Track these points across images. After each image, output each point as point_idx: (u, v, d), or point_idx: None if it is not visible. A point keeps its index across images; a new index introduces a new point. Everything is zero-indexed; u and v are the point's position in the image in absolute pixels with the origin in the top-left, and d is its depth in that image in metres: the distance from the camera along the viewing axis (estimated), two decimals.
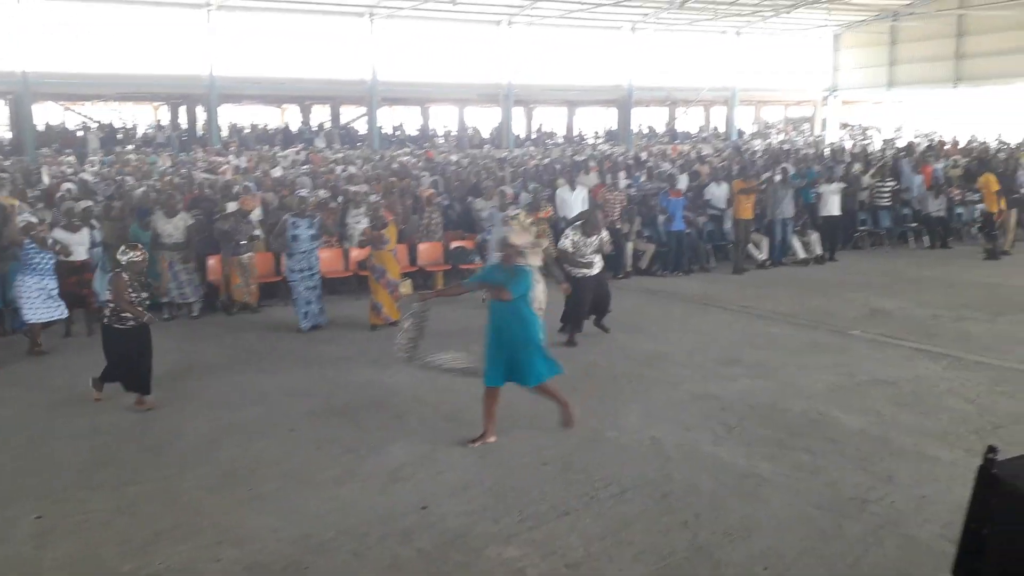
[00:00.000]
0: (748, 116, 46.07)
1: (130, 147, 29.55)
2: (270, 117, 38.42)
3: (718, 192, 14.83)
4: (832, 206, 14.55)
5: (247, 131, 33.70)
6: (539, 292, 9.06)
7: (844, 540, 4.87)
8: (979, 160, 17.22)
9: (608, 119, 42.06)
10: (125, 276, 7.21)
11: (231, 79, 29.51)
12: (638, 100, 38.53)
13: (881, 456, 6.01)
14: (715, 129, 43.04)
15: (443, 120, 40.30)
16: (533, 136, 39.15)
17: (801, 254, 14.35)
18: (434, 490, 5.61)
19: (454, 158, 24.83)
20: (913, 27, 38.02)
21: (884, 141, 31.07)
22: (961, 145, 26.14)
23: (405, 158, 24.27)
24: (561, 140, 37.67)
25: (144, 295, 7.41)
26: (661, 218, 13.57)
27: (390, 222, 10.86)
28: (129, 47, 27.98)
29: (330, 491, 5.64)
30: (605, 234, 9.58)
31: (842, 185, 14.79)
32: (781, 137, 39.61)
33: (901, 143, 28.33)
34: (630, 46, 37.51)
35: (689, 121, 45.06)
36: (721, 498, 5.40)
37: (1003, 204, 14.45)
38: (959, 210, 16.53)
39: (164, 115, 35.90)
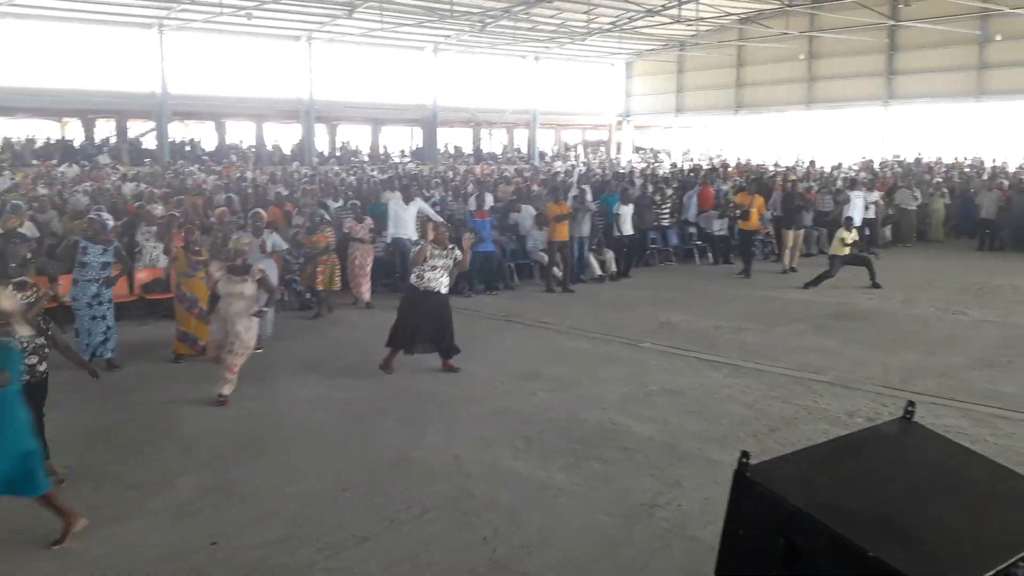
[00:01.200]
0: (549, 139, 47.62)
1: None
2: (50, 131, 35.57)
3: (523, 215, 15.12)
4: (627, 225, 15.23)
5: (19, 146, 30.98)
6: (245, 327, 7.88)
7: (634, 545, 5.08)
8: (755, 181, 18.61)
9: (415, 138, 42.18)
10: None
11: (5, 90, 27.22)
12: (443, 120, 38.92)
13: (669, 462, 6.34)
14: (518, 150, 44.16)
15: (242, 136, 38.91)
16: (337, 153, 38.55)
17: (597, 271, 14.95)
18: (227, 524, 5.35)
19: (249, 175, 23.96)
20: (698, 57, 40.81)
21: (672, 165, 33.00)
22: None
23: (199, 175, 23.14)
24: (366, 158, 37.30)
25: (41, 341, 5.93)
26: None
27: (201, 247, 10.14)
28: None
29: (112, 530, 5.25)
30: (459, 253, 8.88)
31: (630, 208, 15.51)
32: (581, 159, 41.22)
33: (687, 166, 30.23)
34: (434, 67, 37.87)
35: (494, 142, 46.02)
36: (519, 511, 5.50)
37: (757, 223, 15.71)
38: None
39: None
